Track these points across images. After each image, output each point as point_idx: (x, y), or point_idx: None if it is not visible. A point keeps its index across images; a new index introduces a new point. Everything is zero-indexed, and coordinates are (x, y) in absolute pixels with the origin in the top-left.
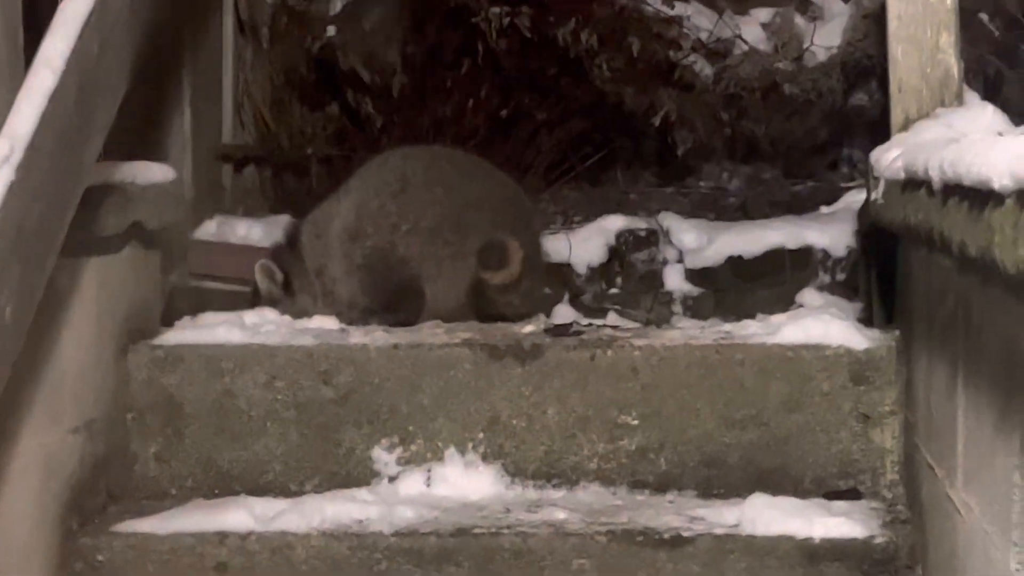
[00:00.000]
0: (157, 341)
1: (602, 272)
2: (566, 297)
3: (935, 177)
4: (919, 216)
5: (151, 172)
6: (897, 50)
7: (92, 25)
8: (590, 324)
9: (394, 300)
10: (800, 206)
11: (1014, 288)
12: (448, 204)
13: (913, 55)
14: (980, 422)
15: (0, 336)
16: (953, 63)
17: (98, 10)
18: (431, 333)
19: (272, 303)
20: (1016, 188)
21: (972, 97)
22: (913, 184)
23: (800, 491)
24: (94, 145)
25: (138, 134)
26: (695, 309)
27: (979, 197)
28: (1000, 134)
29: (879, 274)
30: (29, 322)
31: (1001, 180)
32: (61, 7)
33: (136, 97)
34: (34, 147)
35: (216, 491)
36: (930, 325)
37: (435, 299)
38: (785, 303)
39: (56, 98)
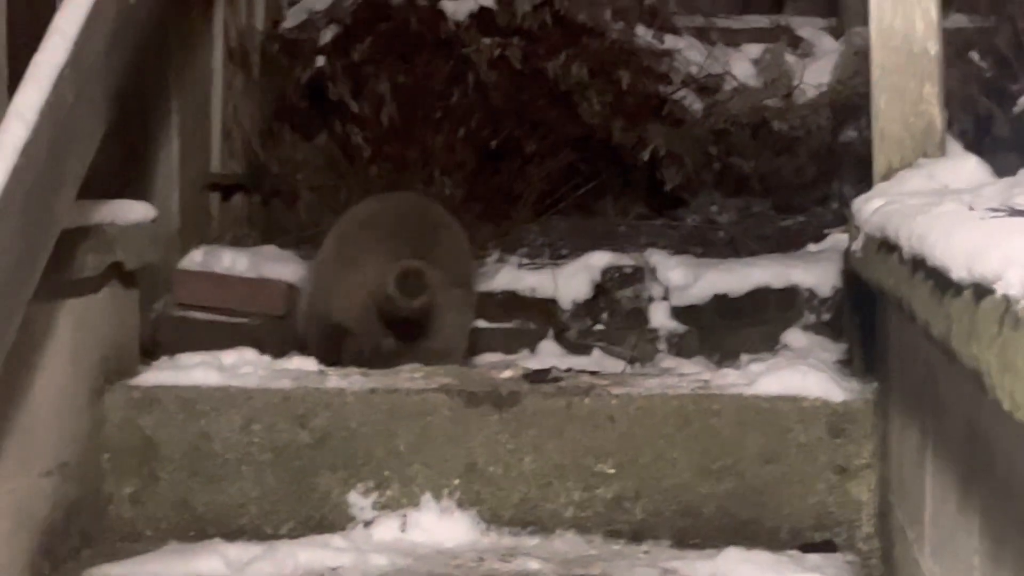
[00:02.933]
0: (134, 382)
1: (587, 308)
2: (551, 333)
3: (905, 247)
4: (891, 281)
5: (132, 211)
6: (880, 99)
7: (66, 76)
8: (569, 370)
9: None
10: (789, 241)
11: (971, 377)
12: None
13: (896, 105)
14: (945, 496)
15: None
16: (936, 113)
17: (72, 61)
18: (408, 378)
19: None
20: (972, 282)
21: (955, 147)
22: (887, 247)
23: (776, 542)
24: (67, 195)
25: (123, 164)
26: (680, 347)
27: (941, 281)
28: (972, 208)
29: (861, 319)
30: None
31: (959, 272)
32: (35, 58)
33: (120, 127)
34: (4, 201)
35: (191, 533)
36: (903, 385)
37: None
38: (770, 342)
39: (28, 151)
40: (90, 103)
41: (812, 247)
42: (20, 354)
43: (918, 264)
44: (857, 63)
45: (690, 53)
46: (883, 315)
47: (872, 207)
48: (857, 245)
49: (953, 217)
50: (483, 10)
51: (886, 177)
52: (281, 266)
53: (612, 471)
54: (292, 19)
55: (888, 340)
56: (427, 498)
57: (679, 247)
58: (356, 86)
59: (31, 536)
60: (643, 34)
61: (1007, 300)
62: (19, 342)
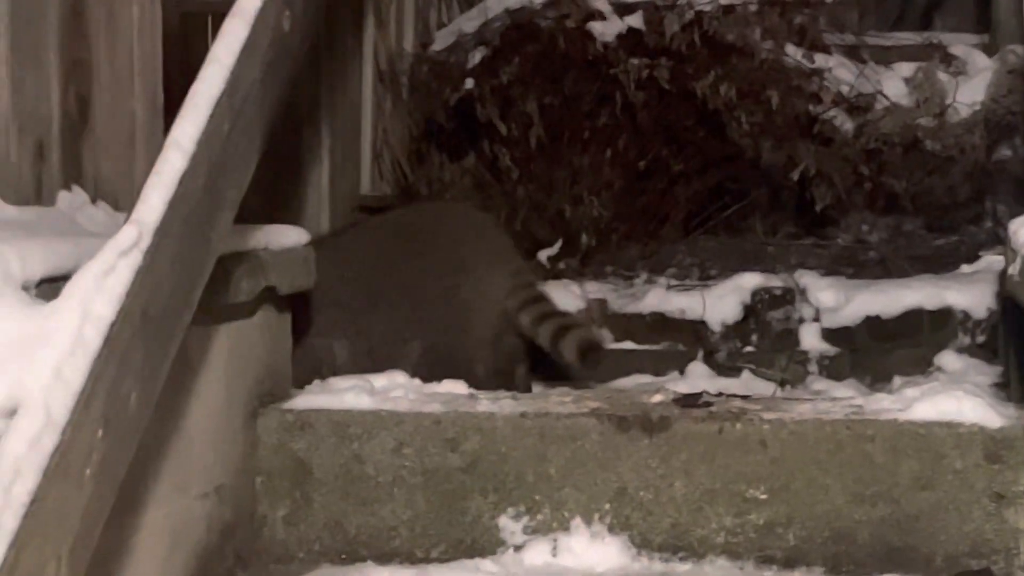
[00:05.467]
0: (287, 405)
1: (737, 330)
2: (700, 355)
3: None
4: None
5: (285, 236)
6: None
7: (222, 105)
8: (720, 394)
9: None
10: (941, 261)
11: None
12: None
13: None
14: None
15: (126, 423)
16: None
17: (229, 90)
18: (558, 402)
19: None
20: None
21: None
22: None
23: (931, 570)
24: (223, 223)
25: (274, 186)
26: (831, 369)
27: None
28: None
29: (1018, 343)
30: (154, 404)
31: None
32: (192, 89)
33: (272, 151)
34: (162, 231)
35: (343, 556)
36: None
37: None
38: (923, 365)
39: (185, 181)
40: (245, 131)
41: (966, 268)
42: (176, 378)
43: None
44: (1011, 81)
45: (840, 72)
46: None
47: None
48: (1015, 268)
49: None
50: (631, 31)
51: None
52: None
53: (764, 497)
54: (441, 42)
55: None
56: (577, 522)
57: (829, 268)
58: (504, 107)
59: (187, 558)
60: (793, 53)
61: None
62: (175, 366)
